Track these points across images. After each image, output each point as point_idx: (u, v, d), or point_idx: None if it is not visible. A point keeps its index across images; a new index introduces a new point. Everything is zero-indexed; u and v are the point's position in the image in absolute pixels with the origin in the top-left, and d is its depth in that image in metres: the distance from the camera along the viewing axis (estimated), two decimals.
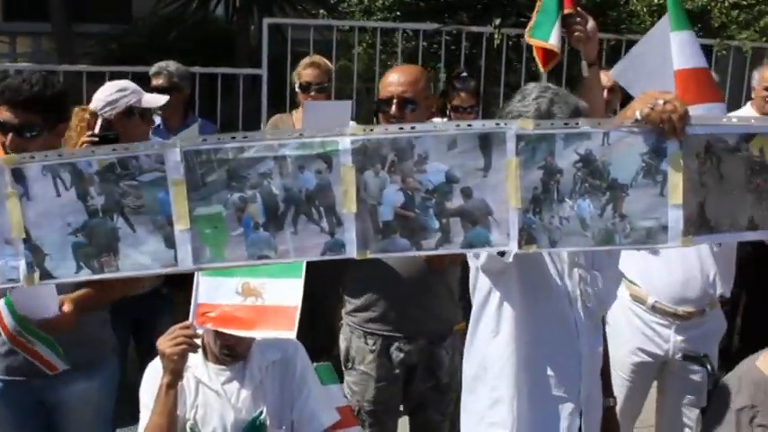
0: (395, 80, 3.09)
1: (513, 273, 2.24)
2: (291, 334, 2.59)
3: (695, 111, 2.16)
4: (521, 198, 1.91)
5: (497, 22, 5.24)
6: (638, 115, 1.91)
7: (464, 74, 4.31)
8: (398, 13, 6.16)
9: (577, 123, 1.92)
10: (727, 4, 5.88)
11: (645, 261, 3.27)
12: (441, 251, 1.94)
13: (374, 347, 3.18)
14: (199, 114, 4.94)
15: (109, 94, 3.52)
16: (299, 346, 2.82)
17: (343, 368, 3.37)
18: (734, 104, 5.92)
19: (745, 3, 5.92)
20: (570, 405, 2.35)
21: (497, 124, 1.92)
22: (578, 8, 2.92)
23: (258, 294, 2.60)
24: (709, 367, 3.10)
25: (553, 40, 2.93)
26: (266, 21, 5.47)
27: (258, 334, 2.64)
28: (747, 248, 4.55)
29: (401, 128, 1.95)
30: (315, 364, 2.93)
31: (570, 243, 1.95)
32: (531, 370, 2.35)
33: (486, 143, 1.91)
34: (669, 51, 2.51)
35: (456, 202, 1.92)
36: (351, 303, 3.29)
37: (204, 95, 5.53)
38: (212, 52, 6.90)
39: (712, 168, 1.96)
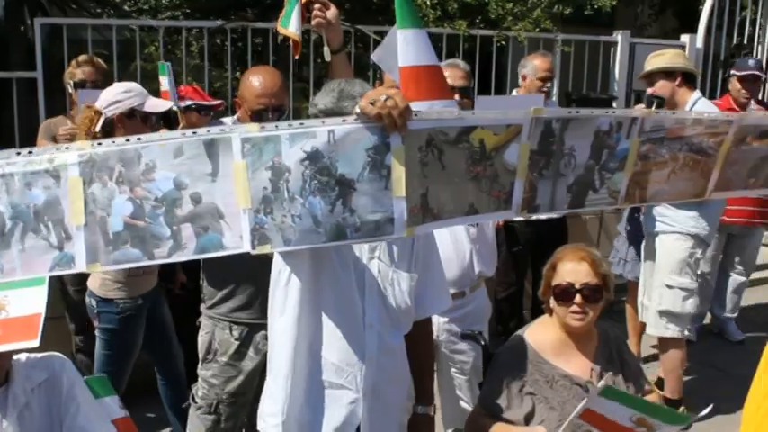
0: (268, 91, 3.02)
1: (304, 254, 2.24)
2: (35, 343, 2.49)
3: (422, 107, 2.27)
4: (251, 199, 1.93)
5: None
6: (356, 110, 1.97)
7: None
8: (187, 11, 6.07)
9: (302, 123, 1.97)
10: None
11: None
12: (174, 258, 1.94)
13: (239, 337, 3.15)
14: None
15: (115, 94, 3.57)
16: (66, 361, 2.72)
17: (200, 363, 3.33)
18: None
19: None
20: (351, 394, 2.38)
21: (222, 130, 1.93)
22: None
23: (2, 308, 2.49)
24: (483, 343, 3.25)
25: (292, 28, 2.97)
26: (38, 21, 5.24)
27: (2, 348, 2.53)
28: (539, 229, 4.87)
29: (127, 140, 1.93)
30: (86, 377, 2.85)
31: (304, 241, 1.98)
32: (311, 353, 2.37)
33: (213, 149, 1.92)
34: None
35: (186, 208, 1.92)
36: (211, 296, 3.26)
37: None
38: None
39: (434, 160, 2.05)
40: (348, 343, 2.36)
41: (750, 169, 2.69)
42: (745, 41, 7.37)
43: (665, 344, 4.82)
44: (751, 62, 5.89)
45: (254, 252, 1.95)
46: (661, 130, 2.40)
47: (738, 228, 5.73)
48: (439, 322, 3.43)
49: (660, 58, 4.90)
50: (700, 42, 7.13)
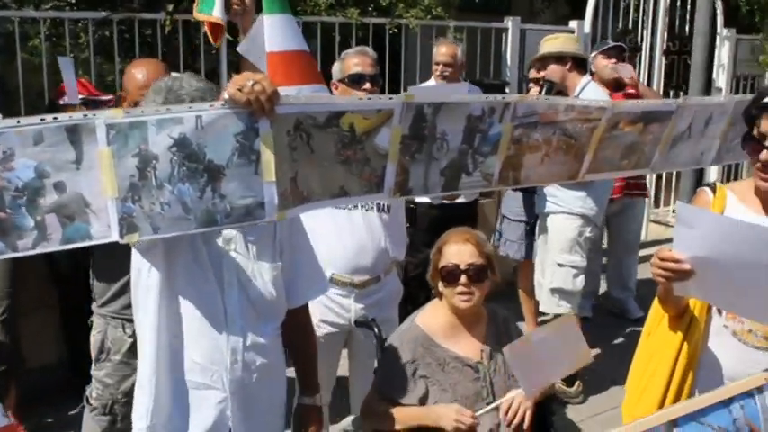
0: (150, 83, 2.82)
1: (159, 247, 2.20)
2: None
3: (290, 91, 2.28)
4: (117, 187, 1.90)
5: (170, 8, 5.17)
6: (225, 96, 1.97)
7: None
8: (73, 1, 5.87)
9: (168, 109, 1.95)
10: None
11: (319, 236, 3.41)
12: (39, 250, 1.89)
13: (132, 335, 3.06)
14: None
15: None
16: None
17: (93, 364, 3.26)
18: (412, 79, 6.34)
19: None
20: (218, 394, 2.35)
21: (85, 116, 1.90)
22: None
23: None
24: (376, 330, 3.29)
25: (216, 13, 2.95)
26: None
27: None
28: (445, 212, 4.93)
29: None
30: None
31: (174, 228, 1.97)
32: (174, 353, 2.33)
33: (76, 135, 1.87)
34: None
35: (50, 198, 1.87)
36: (102, 294, 3.19)
37: None
38: None
39: (303, 144, 2.07)
40: (210, 341, 2.32)
41: (622, 152, 2.81)
42: (630, 26, 7.62)
43: None
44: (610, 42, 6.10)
45: (122, 241, 1.92)
46: (534, 115, 2.48)
47: (616, 204, 5.87)
48: (355, 308, 3.48)
49: (552, 42, 5.07)
50: (587, 28, 7.35)
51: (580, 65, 4.97)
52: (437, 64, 5.14)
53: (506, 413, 2.77)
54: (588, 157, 2.67)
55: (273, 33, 2.47)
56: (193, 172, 1.95)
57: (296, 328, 2.62)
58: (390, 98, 2.17)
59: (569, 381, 4.87)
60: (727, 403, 2.29)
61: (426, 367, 2.86)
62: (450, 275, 2.86)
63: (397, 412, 2.84)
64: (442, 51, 5.11)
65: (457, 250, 2.88)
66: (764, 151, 2.46)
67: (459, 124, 2.33)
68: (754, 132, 2.49)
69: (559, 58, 4.92)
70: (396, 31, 6.19)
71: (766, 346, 2.55)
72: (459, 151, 2.37)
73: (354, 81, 3.26)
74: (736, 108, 2.91)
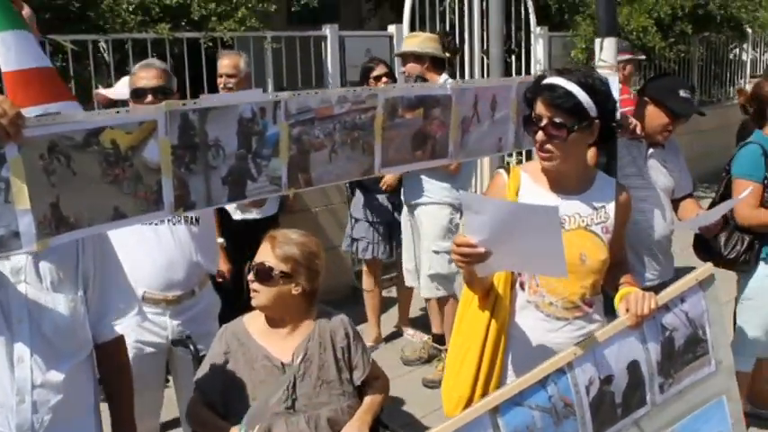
0: None
1: None
2: None
3: (36, 111, 2.15)
4: None
5: None
6: None
7: None
8: None
9: None
10: None
11: (126, 253, 3.26)
12: None
13: None
14: None
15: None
16: None
17: None
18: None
19: None
20: None
21: None
22: None
23: None
24: (191, 347, 3.20)
25: None
26: None
27: None
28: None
29: None
30: None
31: None
32: None
33: None
34: None
35: None
36: None
37: None
38: None
39: (62, 167, 1.96)
40: None
41: (413, 142, 2.83)
42: (449, 29, 7.79)
43: (440, 304, 5.31)
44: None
45: None
46: (308, 111, 2.45)
47: None
48: (172, 325, 3.37)
49: (411, 41, 5.26)
50: (406, 31, 7.47)
51: (438, 64, 5.17)
52: (220, 76, 5.04)
53: None
54: (378, 149, 2.68)
55: (8, 52, 2.30)
56: None
57: (106, 364, 2.50)
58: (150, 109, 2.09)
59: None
60: (542, 382, 2.37)
61: (236, 365, 2.81)
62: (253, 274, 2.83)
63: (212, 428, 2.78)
64: (224, 63, 5.02)
65: (261, 249, 2.85)
66: (540, 132, 2.56)
67: (231, 128, 2.27)
68: (532, 114, 2.59)
69: (418, 57, 5.11)
70: (211, 44, 6.06)
71: (566, 316, 2.68)
72: (238, 157, 2.31)
73: (137, 96, 3.17)
74: (520, 90, 3.00)
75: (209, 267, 3.57)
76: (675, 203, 4.02)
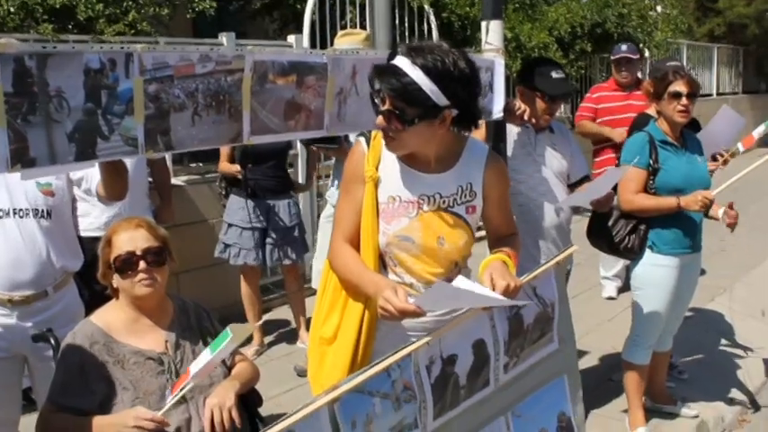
0: None
1: None
2: None
3: None
4: None
5: None
6: None
7: None
8: None
9: None
10: None
11: None
12: None
13: None
14: None
15: None
16: None
17: None
18: None
19: None
20: None
21: None
22: None
23: None
24: (53, 342, 2.98)
25: None
26: None
27: None
28: None
29: None
30: None
31: None
32: None
33: None
34: None
35: None
36: None
37: None
38: None
39: None
40: None
41: (285, 110, 2.70)
42: None
43: None
44: (624, 47, 6.60)
45: None
46: (167, 68, 2.28)
47: None
48: (22, 328, 3.15)
49: (344, 38, 5.10)
50: (306, 41, 7.39)
51: None
52: None
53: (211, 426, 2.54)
54: (246, 115, 2.53)
55: None
56: None
57: None
58: None
59: None
60: (387, 369, 2.22)
61: (102, 367, 2.60)
62: (127, 264, 2.64)
63: (75, 427, 2.54)
64: None
65: (129, 237, 2.67)
66: (380, 117, 2.45)
67: (77, 80, 2.08)
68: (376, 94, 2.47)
69: None
70: (101, 46, 5.81)
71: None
72: (86, 111, 2.11)
73: None
74: None
75: (68, 265, 3.33)
76: (574, 187, 4.03)
